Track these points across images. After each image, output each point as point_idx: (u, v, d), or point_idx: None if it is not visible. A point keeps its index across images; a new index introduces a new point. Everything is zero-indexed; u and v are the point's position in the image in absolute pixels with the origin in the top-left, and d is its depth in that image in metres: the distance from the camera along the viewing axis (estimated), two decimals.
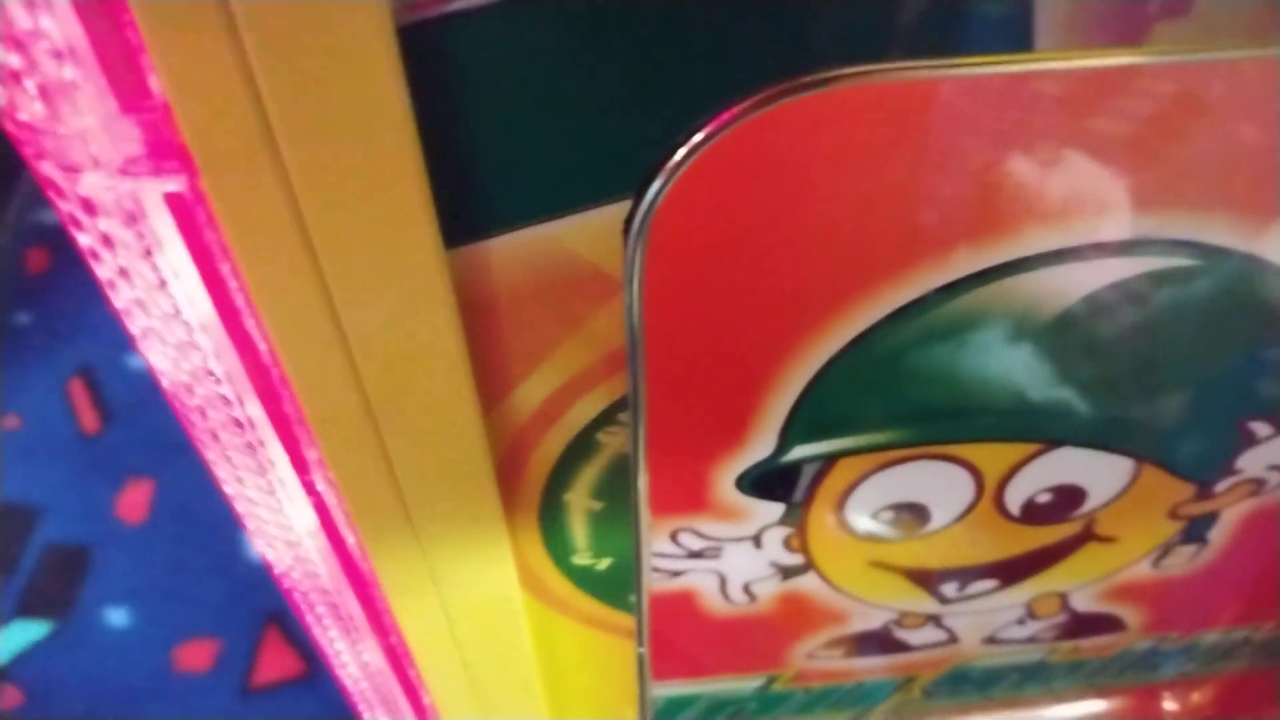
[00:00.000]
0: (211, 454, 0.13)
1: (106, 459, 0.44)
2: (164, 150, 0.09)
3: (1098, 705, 0.26)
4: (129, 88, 0.09)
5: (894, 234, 0.13)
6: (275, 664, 0.38)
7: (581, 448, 0.15)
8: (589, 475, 0.16)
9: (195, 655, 0.39)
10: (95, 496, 0.43)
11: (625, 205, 0.12)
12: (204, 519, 0.41)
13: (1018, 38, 0.12)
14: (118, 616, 0.40)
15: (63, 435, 0.45)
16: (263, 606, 0.39)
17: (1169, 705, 0.26)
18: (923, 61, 0.11)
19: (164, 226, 0.10)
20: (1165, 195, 0.13)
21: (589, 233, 0.12)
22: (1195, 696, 0.26)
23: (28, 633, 0.39)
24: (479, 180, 0.12)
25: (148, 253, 0.10)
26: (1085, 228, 0.14)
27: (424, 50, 0.10)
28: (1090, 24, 0.12)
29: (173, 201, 0.10)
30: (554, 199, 0.12)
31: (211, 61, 0.09)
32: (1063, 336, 0.15)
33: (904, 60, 0.11)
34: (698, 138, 0.11)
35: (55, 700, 0.38)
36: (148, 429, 0.44)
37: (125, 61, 0.09)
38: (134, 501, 0.43)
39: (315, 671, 0.38)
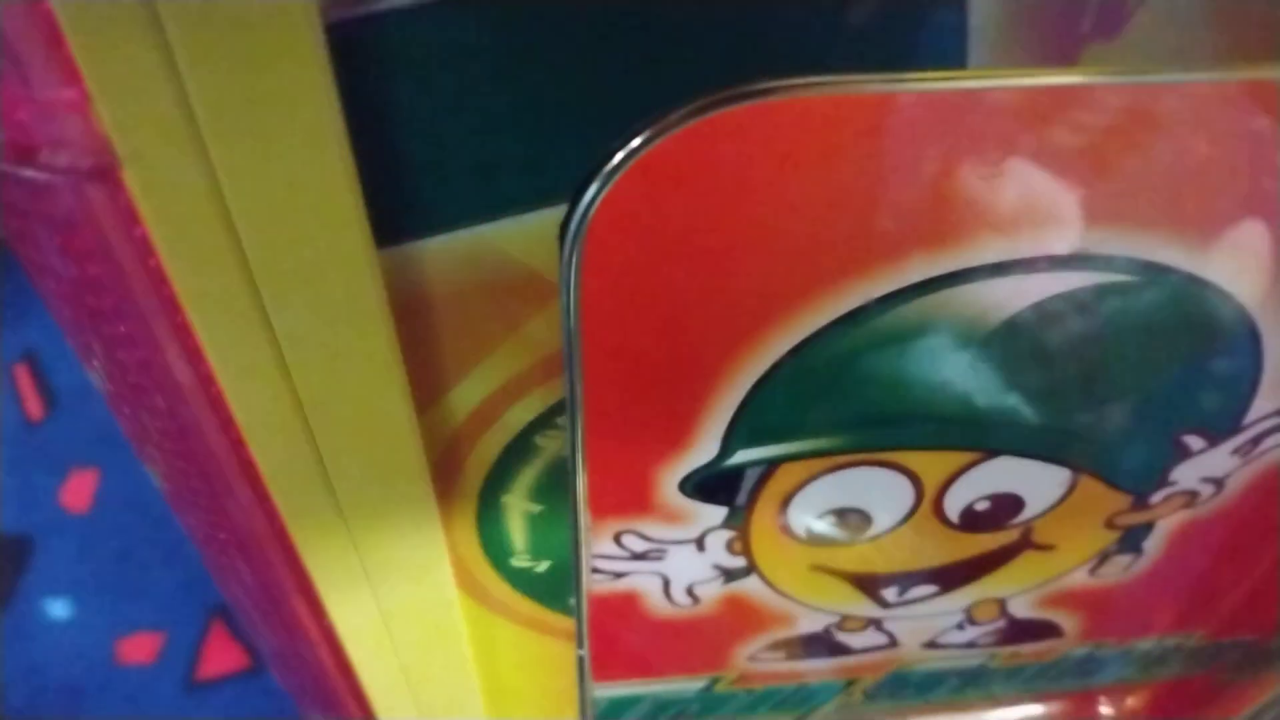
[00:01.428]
0: (145, 452, 0.13)
1: (51, 447, 0.43)
2: (87, 143, 0.09)
3: (1036, 709, 0.26)
4: (51, 81, 0.09)
5: (835, 242, 0.13)
6: (220, 657, 0.38)
7: (519, 450, 0.15)
8: (527, 478, 0.16)
9: (139, 648, 0.38)
10: (39, 485, 0.42)
11: (562, 209, 0.11)
12: (150, 510, 0.41)
13: (952, 53, 0.12)
14: (60, 608, 0.39)
15: (6, 422, 0.44)
16: (208, 599, 0.39)
17: (1105, 710, 0.26)
18: (859, 76, 0.11)
19: (86, 220, 0.10)
20: (1103, 211, 0.13)
21: (524, 236, 0.12)
22: (1130, 701, 0.26)
23: None
24: (411, 181, 0.11)
25: (70, 247, 0.10)
26: (1026, 241, 0.14)
27: (356, 47, 0.10)
28: (1023, 42, 0.12)
29: (96, 195, 0.09)
30: (488, 202, 0.12)
31: (134, 54, 0.09)
32: (1004, 347, 0.15)
33: (842, 72, 0.11)
34: (634, 143, 0.11)
35: None
36: (93, 417, 0.43)
37: (47, 53, 0.09)
38: (78, 490, 0.42)
39: (261, 665, 0.37)
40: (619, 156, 0.11)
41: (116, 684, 0.38)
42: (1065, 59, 0.12)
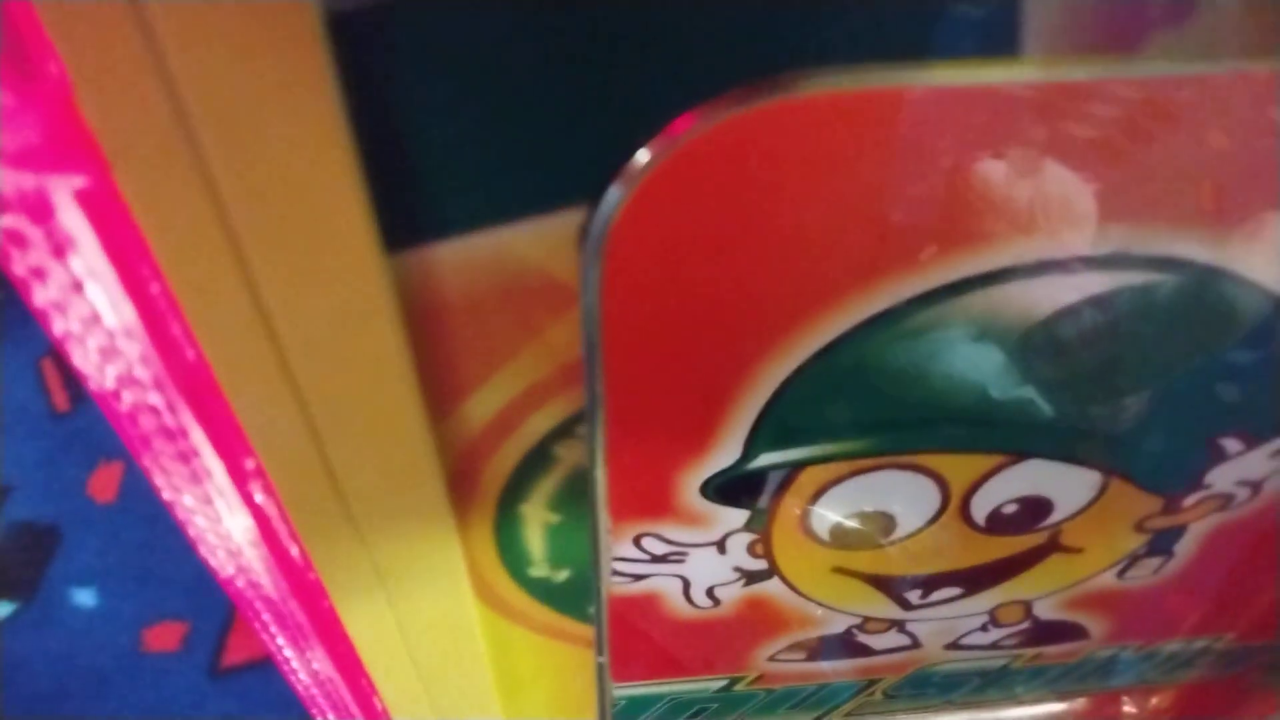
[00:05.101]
0: (145, 461, 0.13)
1: (78, 438, 0.43)
2: (67, 139, 0.08)
3: (1058, 708, 0.26)
4: (22, 67, 0.08)
5: (864, 243, 0.13)
6: (244, 645, 0.38)
7: (538, 460, 0.15)
8: (546, 487, 0.16)
9: (164, 636, 0.38)
10: (66, 475, 0.43)
11: (581, 210, 0.11)
12: None
13: (1004, 41, 0.12)
14: (86, 596, 0.40)
15: (34, 413, 0.44)
16: None
17: (1128, 709, 0.26)
18: (895, 67, 0.11)
19: (75, 224, 0.09)
20: (1141, 208, 0.13)
21: (544, 240, 0.12)
22: (1155, 701, 0.26)
23: None
24: (423, 181, 0.11)
25: (59, 252, 0.09)
26: (1059, 241, 0.13)
27: (363, 38, 0.09)
28: (1083, 29, 0.11)
29: (83, 197, 0.09)
30: (505, 204, 0.11)
31: (118, 39, 0.08)
32: (1033, 350, 0.15)
33: (880, 64, 0.11)
34: (660, 143, 0.10)
35: (21, 680, 0.38)
36: None
37: (18, 37, 0.08)
38: (105, 481, 0.42)
39: None
40: (643, 157, 0.10)
41: (142, 671, 0.38)
42: (1128, 48, 0.11)
